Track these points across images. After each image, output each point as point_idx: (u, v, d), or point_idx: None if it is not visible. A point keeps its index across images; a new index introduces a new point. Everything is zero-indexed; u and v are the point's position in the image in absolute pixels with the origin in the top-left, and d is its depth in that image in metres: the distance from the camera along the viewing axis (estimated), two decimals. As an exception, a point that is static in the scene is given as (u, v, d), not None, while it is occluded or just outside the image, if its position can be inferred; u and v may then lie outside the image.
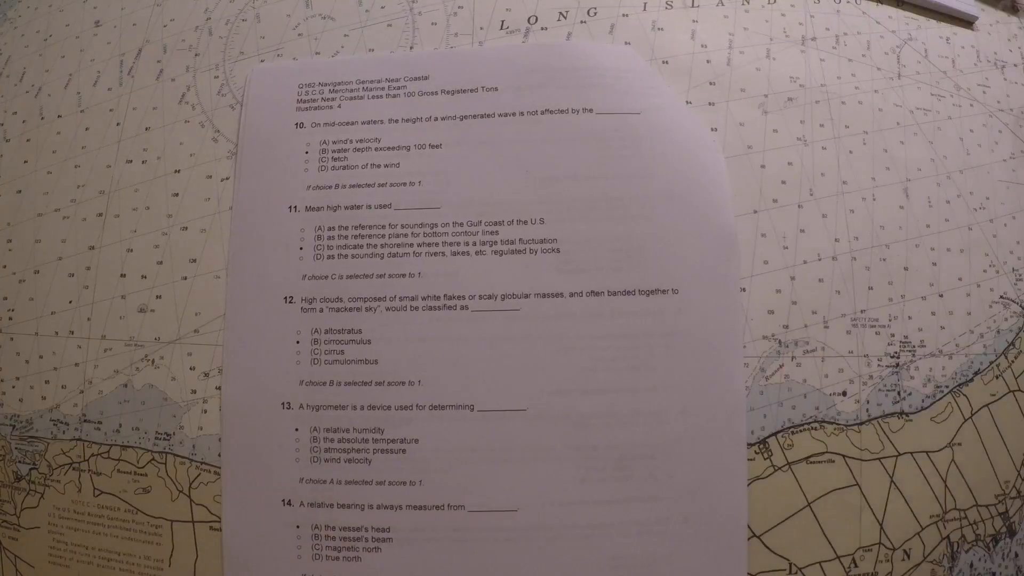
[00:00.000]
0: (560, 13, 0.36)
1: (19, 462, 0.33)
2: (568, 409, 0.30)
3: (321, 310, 0.32)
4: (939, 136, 0.35)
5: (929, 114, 0.36)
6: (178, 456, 0.32)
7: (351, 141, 0.33)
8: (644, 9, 0.36)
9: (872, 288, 0.32)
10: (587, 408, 0.30)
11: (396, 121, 0.34)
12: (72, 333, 0.34)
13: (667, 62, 0.35)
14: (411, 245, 0.32)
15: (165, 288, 0.33)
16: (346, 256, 0.32)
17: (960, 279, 0.33)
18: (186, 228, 0.34)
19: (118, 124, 0.37)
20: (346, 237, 0.32)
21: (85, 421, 0.33)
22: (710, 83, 0.34)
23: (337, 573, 0.30)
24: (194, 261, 0.33)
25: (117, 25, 0.39)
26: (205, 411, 0.32)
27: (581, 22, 0.35)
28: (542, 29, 0.35)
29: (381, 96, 0.34)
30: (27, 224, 0.36)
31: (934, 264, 0.33)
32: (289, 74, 0.35)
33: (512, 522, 0.30)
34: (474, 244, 0.32)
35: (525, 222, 0.32)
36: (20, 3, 0.42)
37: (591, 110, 0.33)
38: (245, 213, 0.33)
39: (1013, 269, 0.34)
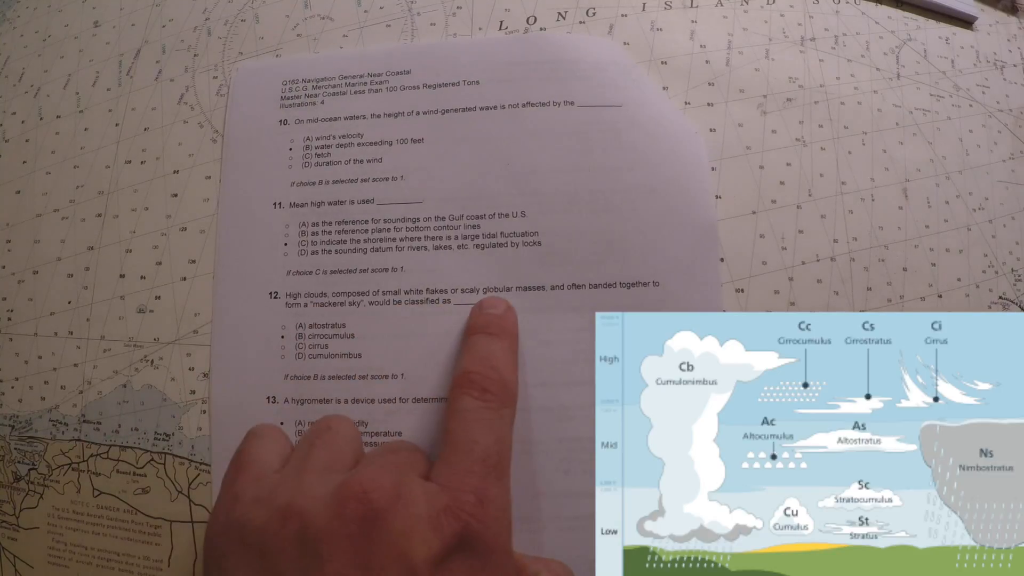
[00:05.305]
0: (559, 13, 0.36)
1: (18, 462, 0.34)
2: (550, 401, 0.30)
3: (305, 305, 0.32)
4: (938, 136, 0.35)
5: (928, 114, 0.36)
6: (177, 456, 0.32)
7: (334, 137, 0.34)
8: (643, 9, 0.36)
9: (871, 289, 0.32)
10: (569, 400, 0.30)
11: (378, 116, 0.34)
12: (71, 334, 0.34)
13: (666, 63, 0.35)
14: (394, 240, 0.32)
15: (164, 289, 0.34)
16: (330, 252, 0.32)
17: (959, 280, 0.33)
18: (185, 229, 0.34)
19: (117, 124, 0.37)
20: (330, 233, 0.32)
21: (84, 421, 0.33)
22: (709, 84, 0.34)
23: None
24: (193, 262, 0.34)
25: (116, 25, 0.39)
26: (204, 412, 0.32)
27: (580, 22, 0.35)
28: (541, 30, 0.35)
29: (363, 91, 0.34)
30: (26, 224, 0.36)
31: (933, 265, 0.33)
32: (273, 71, 0.35)
33: None
34: (456, 238, 0.32)
35: (506, 215, 0.32)
36: (19, 3, 0.42)
37: (572, 103, 0.33)
38: (231, 210, 0.34)
39: (1012, 270, 0.34)
